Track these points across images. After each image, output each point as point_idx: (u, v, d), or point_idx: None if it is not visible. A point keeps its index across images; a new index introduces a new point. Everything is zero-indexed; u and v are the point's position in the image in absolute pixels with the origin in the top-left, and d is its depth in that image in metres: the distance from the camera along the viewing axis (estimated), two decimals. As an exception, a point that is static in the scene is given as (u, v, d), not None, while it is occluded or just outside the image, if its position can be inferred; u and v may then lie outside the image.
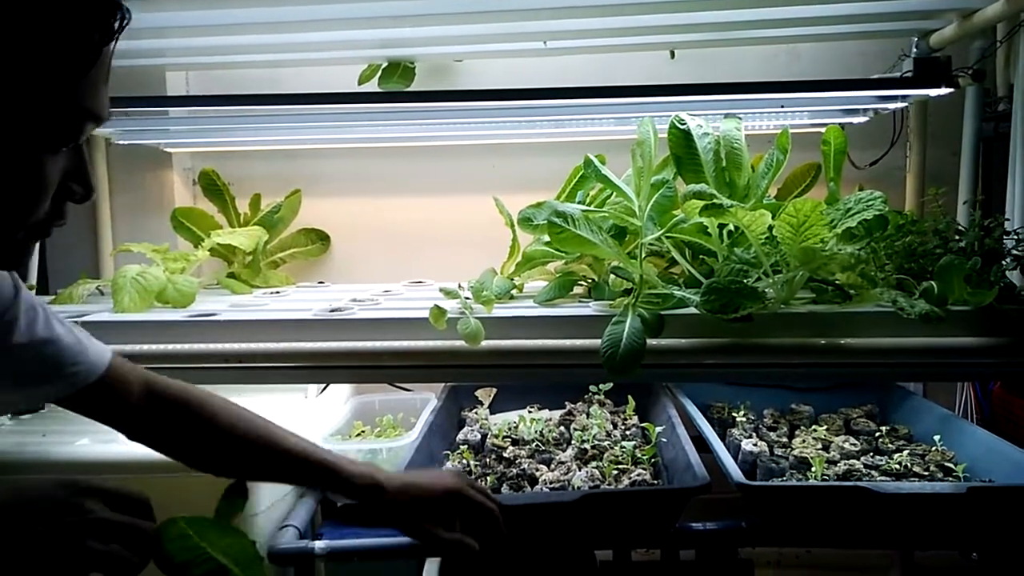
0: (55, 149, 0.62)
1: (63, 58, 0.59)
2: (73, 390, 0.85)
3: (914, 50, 1.66)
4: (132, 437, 0.93)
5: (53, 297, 1.64)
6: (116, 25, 0.61)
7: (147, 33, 1.45)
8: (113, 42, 0.62)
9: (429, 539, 0.95)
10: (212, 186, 1.99)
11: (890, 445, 1.50)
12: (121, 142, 1.93)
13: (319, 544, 1.32)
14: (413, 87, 1.82)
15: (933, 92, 1.48)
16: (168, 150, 2.04)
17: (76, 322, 1.26)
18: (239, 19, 1.40)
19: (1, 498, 0.70)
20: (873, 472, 1.37)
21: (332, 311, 1.35)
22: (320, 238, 2.09)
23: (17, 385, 0.84)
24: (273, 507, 1.45)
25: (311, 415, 1.72)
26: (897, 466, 1.38)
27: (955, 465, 1.38)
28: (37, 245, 0.80)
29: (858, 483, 1.26)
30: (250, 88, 1.99)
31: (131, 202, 2.07)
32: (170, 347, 1.25)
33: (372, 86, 1.83)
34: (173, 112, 1.77)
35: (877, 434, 1.56)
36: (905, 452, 1.43)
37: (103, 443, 1.47)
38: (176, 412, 0.92)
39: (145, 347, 1.25)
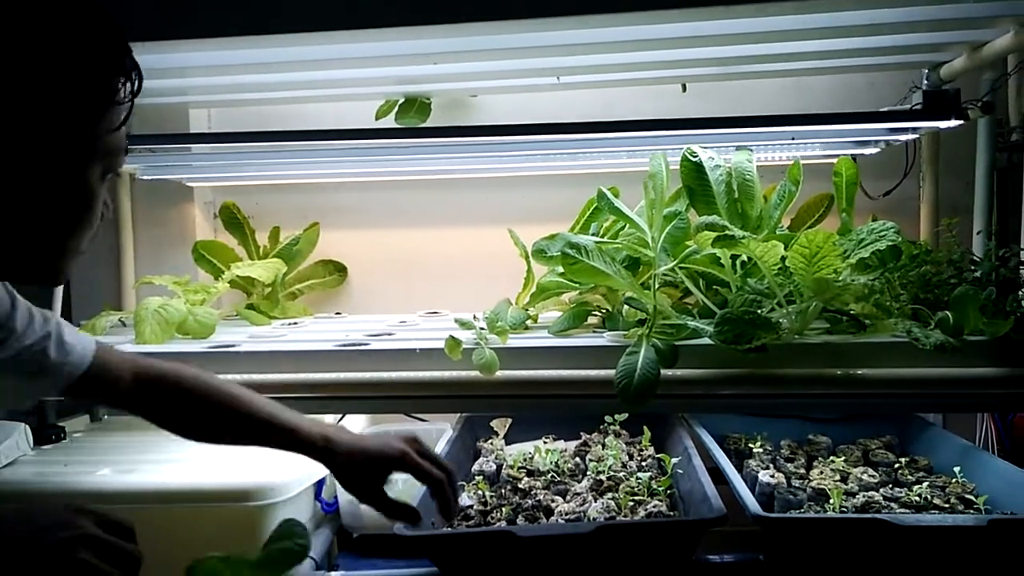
0: (106, 177, 0.79)
1: (117, 108, 0.76)
2: (63, 385, 0.97)
3: (924, 82, 1.67)
4: (125, 410, 1.06)
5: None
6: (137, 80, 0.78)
7: (171, 73, 1.49)
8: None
9: (378, 502, 1.02)
10: (232, 219, 2.03)
11: (910, 477, 1.49)
12: (145, 177, 1.97)
13: (335, 575, 1.32)
14: (429, 122, 1.86)
15: (943, 124, 1.48)
16: (190, 184, 2.08)
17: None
18: (259, 58, 1.44)
19: (9, 517, 0.79)
20: (892, 504, 1.36)
21: (348, 342, 1.37)
22: (337, 269, 2.12)
23: (14, 382, 0.96)
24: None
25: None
26: (917, 498, 1.37)
27: (976, 497, 1.36)
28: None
29: (877, 515, 1.24)
30: (270, 124, 2.04)
31: (154, 236, 2.12)
32: (190, 378, 1.27)
33: (389, 121, 1.87)
34: (195, 148, 1.82)
35: (896, 465, 1.54)
36: (925, 484, 1.41)
37: (124, 473, 1.49)
38: (157, 390, 1.03)
39: (166, 378, 1.27)
